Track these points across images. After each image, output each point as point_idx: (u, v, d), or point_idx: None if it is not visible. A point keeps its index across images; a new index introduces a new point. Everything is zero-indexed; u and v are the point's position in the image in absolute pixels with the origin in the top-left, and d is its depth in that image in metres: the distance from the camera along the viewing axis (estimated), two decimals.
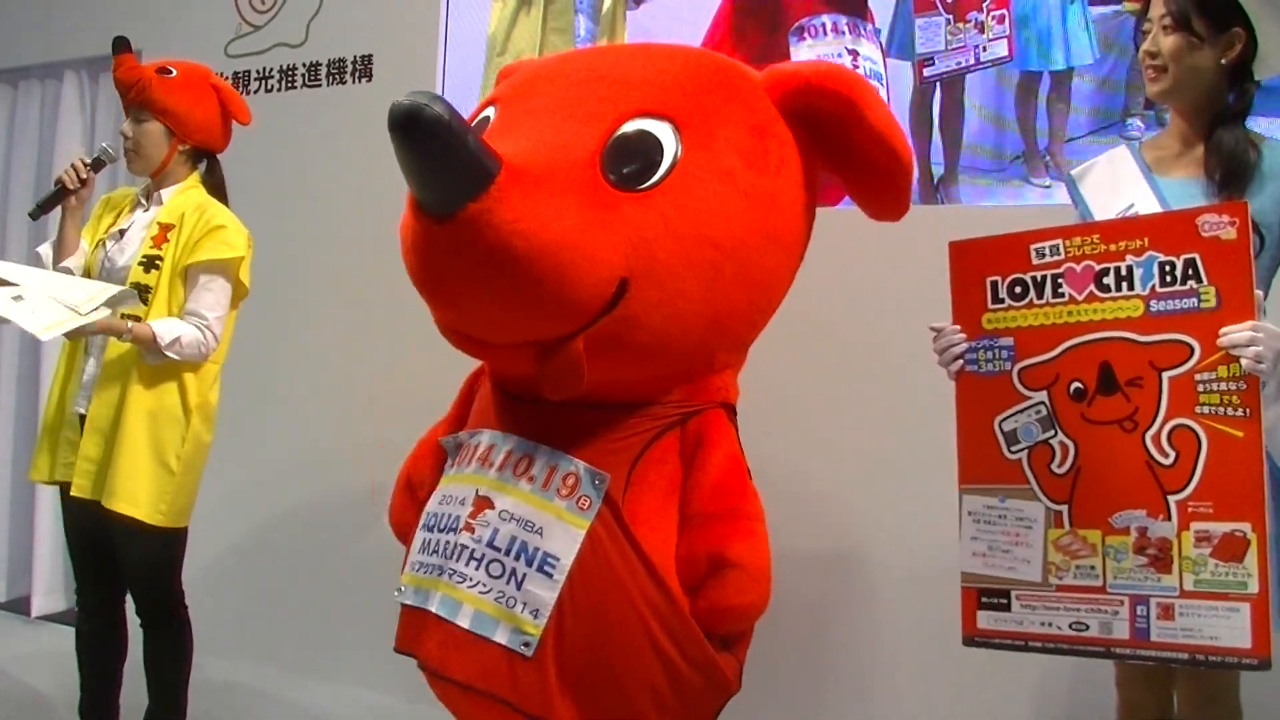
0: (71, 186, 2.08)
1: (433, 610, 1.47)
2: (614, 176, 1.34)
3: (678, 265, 1.37)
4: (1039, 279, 1.42)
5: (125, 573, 2.13)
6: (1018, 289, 1.43)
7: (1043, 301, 1.42)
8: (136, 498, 2.01)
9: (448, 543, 1.48)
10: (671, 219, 1.36)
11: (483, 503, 1.46)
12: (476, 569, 1.43)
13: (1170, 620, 1.32)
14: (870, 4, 2.45)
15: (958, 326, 1.48)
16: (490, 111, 1.48)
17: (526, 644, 1.39)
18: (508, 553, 1.42)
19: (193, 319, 2.07)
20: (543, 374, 1.39)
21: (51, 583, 3.53)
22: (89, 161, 2.13)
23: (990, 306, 1.45)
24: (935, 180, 2.39)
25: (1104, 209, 1.56)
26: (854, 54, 2.47)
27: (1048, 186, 2.29)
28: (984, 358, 1.46)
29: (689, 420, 1.50)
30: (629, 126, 1.38)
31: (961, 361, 1.47)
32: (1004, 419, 1.43)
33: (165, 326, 2.02)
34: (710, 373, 1.55)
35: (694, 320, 1.42)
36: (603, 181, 1.33)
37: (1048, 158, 2.30)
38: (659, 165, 1.37)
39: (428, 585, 1.50)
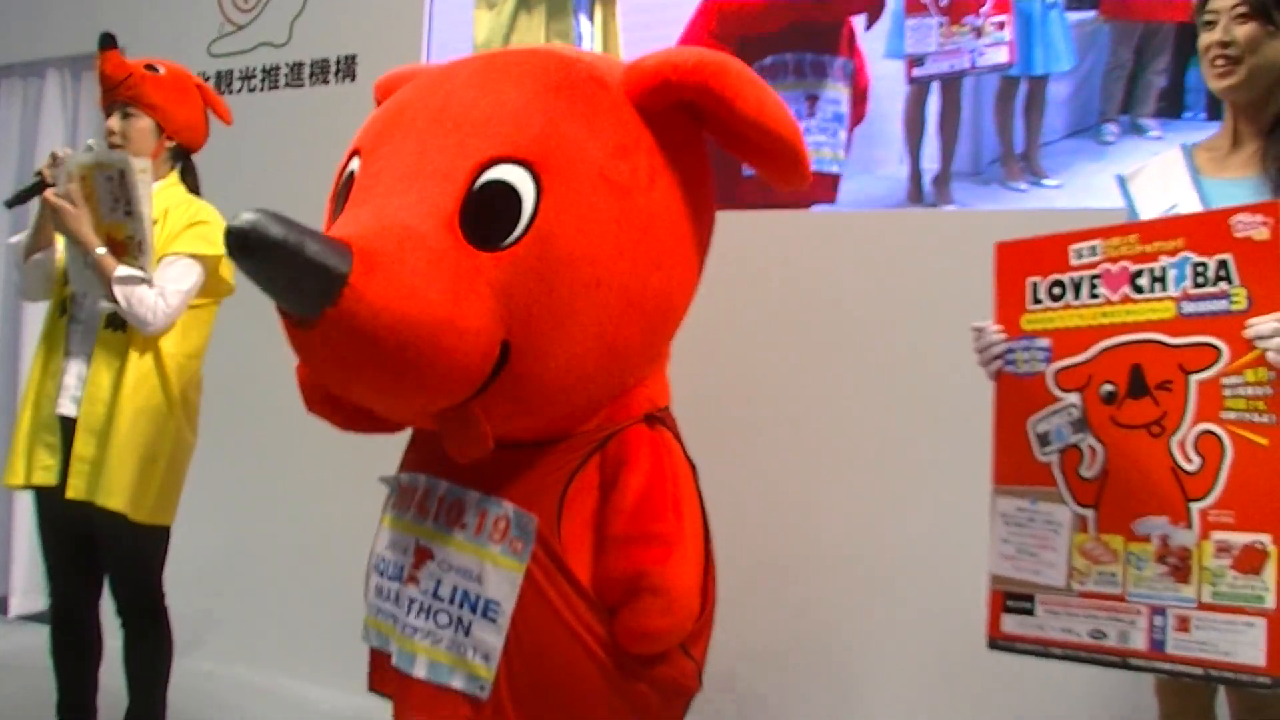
0: (50, 180, 1.99)
1: (392, 662, 1.48)
2: (475, 237, 1.28)
3: (560, 315, 1.31)
4: (1076, 280, 1.39)
5: (109, 571, 2.13)
6: (1056, 290, 1.41)
7: (1079, 303, 1.39)
8: (123, 492, 2.02)
9: (397, 593, 1.49)
10: (543, 271, 1.29)
11: (423, 554, 1.46)
12: (425, 620, 1.44)
13: (1186, 633, 1.25)
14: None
15: (999, 326, 1.44)
16: (355, 165, 1.43)
17: (482, 687, 1.40)
18: (452, 601, 1.42)
19: (154, 287, 2.03)
20: (445, 439, 1.37)
21: (29, 582, 3.45)
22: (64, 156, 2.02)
23: (1029, 307, 1.42)
24: (930, 181, 2.37)
25: (1149, 208, 1.53)
26: (813, 99, 2.43)
27: (1024, 190, 2.31)
28: (1022, 358, 1.43)
29: (608, 443, 1.45)
30: (484, 178, 1.30)
31: (1000, 362, 1.44)
32: (1038, 420, 1.40)
33: (128, 273, 1.96)
34: (624, 394, 1.48)
35: (588, 362, 1.37)
36: (465, 245, 1.27)
37: (1023, 162, 2.32)
38: (519, 218, 1.29)
39: (386, 631, 1.52)
